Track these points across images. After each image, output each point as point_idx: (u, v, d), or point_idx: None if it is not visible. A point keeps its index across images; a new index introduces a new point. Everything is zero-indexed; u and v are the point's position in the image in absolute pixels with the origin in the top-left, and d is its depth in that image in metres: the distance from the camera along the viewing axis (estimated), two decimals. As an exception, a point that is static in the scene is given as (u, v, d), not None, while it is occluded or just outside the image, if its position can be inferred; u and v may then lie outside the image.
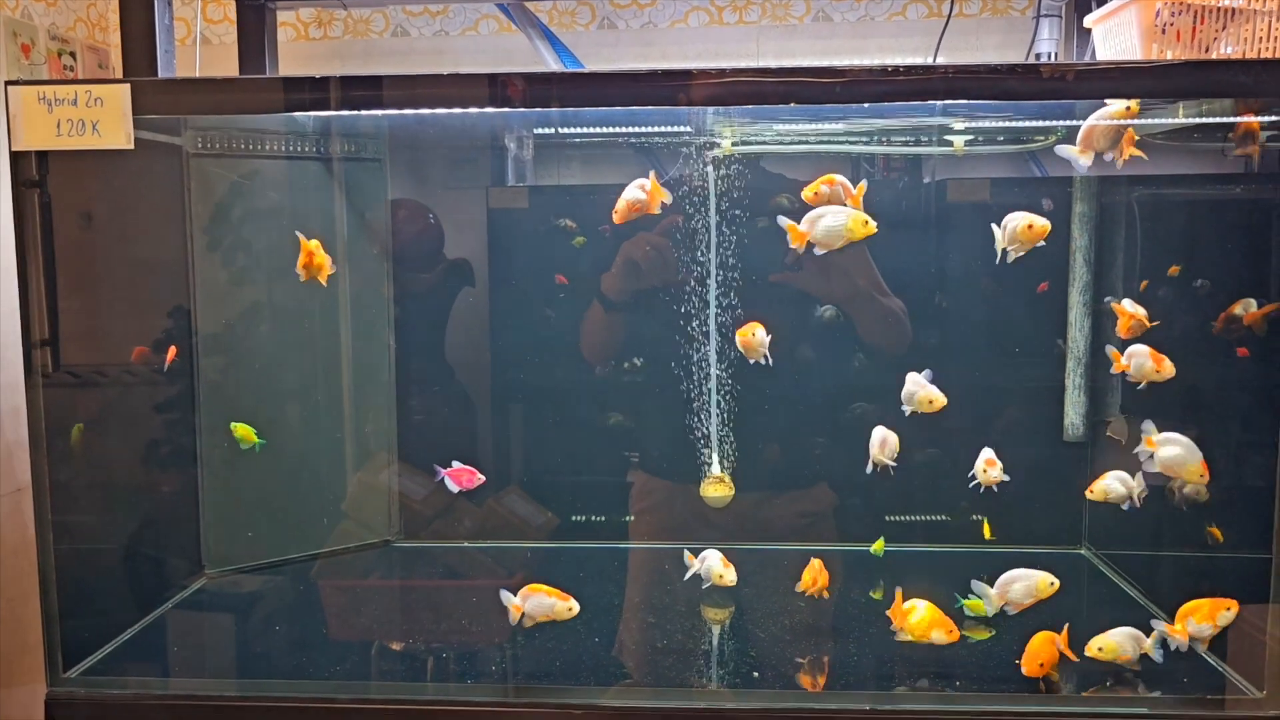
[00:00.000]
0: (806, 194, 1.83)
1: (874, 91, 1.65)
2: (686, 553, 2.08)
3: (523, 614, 1.78)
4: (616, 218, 1.86)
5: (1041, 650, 1.70)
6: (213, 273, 2.18)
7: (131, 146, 1.61)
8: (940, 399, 1.87)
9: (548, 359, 2.44)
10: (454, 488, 1.99)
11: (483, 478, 2.01)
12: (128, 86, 1.60)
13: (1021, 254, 1.79)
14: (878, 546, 2.15)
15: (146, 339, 2.12)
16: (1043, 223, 1.76)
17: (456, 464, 2.01)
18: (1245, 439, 1.92)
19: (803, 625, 2.01)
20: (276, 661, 1.93)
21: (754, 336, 2.04)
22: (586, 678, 1.81)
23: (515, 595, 1.79)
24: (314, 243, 1.93)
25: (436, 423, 2.53)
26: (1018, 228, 1.76)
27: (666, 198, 1.86)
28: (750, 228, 2.26)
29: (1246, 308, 1.76)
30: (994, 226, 1.81)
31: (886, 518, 2.38)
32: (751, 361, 2.08)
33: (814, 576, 1.98)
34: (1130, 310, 1.83)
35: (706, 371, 2.31)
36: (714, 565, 2.04)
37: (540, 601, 1.79)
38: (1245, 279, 1.89)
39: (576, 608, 1.81)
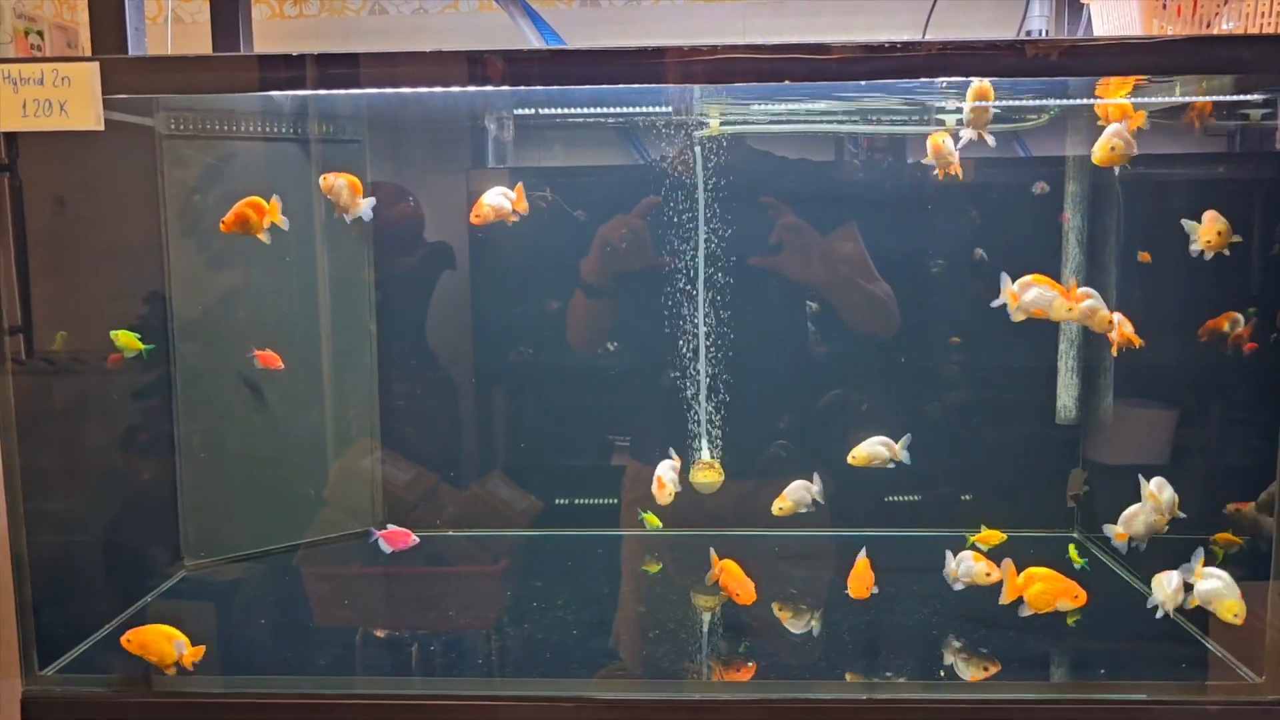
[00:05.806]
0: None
1: (862, 69, 1.60)
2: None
3: (1020, 301, 1.67)
4: (475, 220, 1.90)
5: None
6: (189, 257, 2.12)
7: (101, 127, 1.55)
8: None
9: (530, 343, 2.41)
10: (387, 549, 1.99)
11: (416, 539, 2.00)
12: (97, 65, 1.53)
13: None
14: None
15: (121, 324, 2.06)
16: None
17: (391, 526, 2.02)
18: (1239, 422, 1.90)
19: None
20: (260, 656, 1.88)
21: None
22: (578, 669, 1.77)
23: (1012, 284, 1.68)
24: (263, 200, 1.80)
25: (419, 408, 2.49)
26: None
27: (524, 208, 1.92)
28: (737, 210, 2.21)
29: (1234, 325, 1.73)
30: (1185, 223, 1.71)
31: (887, 499, 2.36)
32: None
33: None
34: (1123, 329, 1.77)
35: (694, 356, 2.27)
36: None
37: (1039, 293, 1.67)
38: (1236, 255, 1.86)
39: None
